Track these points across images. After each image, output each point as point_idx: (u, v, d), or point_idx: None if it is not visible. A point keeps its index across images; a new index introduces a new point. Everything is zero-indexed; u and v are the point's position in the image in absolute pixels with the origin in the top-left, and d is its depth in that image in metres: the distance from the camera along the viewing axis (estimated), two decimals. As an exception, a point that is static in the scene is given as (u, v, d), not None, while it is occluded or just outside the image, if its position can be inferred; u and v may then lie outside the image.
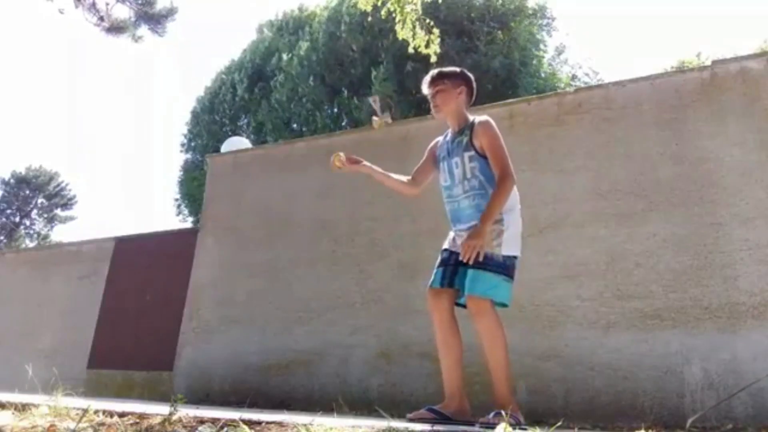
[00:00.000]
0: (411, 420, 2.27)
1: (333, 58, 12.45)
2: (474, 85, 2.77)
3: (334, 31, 12.63)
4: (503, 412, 2.19)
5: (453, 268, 2.54)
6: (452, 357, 2.51)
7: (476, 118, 2.66)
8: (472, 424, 2.33)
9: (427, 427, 1.92)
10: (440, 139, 2.80)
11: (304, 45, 12.94)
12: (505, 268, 2.45)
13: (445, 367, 2.53)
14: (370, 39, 11.97)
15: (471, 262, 2.38)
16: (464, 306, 2.55)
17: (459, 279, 2.51)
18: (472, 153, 2.57)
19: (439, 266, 2.60)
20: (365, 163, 2.76)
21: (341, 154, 2.79)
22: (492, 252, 2.44)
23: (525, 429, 2.18)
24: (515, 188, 2.56)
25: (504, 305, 2.46)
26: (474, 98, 2.78)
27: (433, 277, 2.59)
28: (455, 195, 2.61)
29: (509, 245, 2.47)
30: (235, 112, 13.95)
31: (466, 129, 2.63)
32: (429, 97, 2.72)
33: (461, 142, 2.61)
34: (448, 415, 2.38)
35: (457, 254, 2.52)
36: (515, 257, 2.50)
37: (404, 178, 2.80)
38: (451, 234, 2.66)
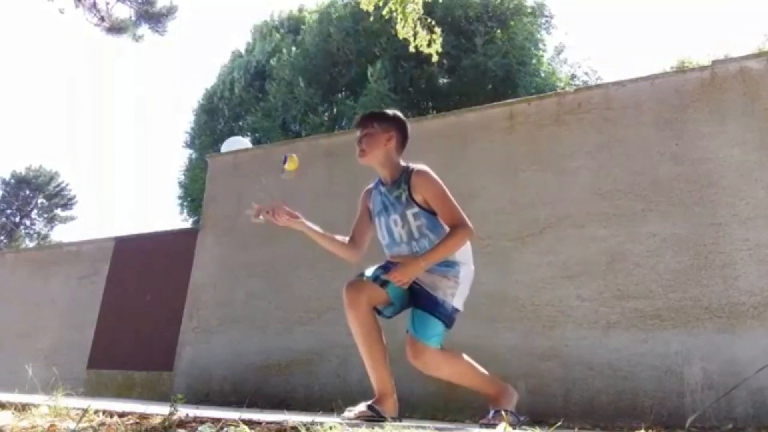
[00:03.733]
0: (350, 419, 2.13)
1: (327, 59, 12.45)
2: (408, 131, 2.51)
3: (325, 32, 12.64)
4: (503, 411, 2.19)
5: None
6: (377, 354, 2.32)
7: (410, 166, 2.42)
8: (399, 420, 2.28)
9: (427, 425, 1.92)
10: (371, 187, 2.57)
11: (295, 47, 12.95)
12: (450, 320, 2.33)
13: (376, 368, 2.33)
14: (365, 39, 11.97)
15: (400, 284, 2.27)
16: (387, 316, 2.40)
17: (394, 290, 2.33)
18: (416, 210, 2.33)
19: (378, 266, 2.40)
20: (301, 220, 2.52)
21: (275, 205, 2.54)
22: (445, 299, 2.32)
23: (525, 430, 2.18)
24: (468, 245, 2.40)
25: None
26: (405, 146, 2.51)
27: (365, 270, 2.39)
28: (399, 255, 2.40)
29: (459, 299, 2.36)
30: (234, 113, 13.95)
31: (402, 182, 2.38)
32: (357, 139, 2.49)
33: (399, 197, 2.37)
34: (384, 414, 2.23)
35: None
36: (459, 311, 2.39)
37: (343, 239, 2.56)
38: None
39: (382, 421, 2.13)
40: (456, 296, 2.34)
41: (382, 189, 2.47)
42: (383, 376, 2.34)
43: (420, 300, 2.35)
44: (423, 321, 2.30)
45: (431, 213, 2.34)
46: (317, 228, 2.52)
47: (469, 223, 2.31)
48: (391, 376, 2.37)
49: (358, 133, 2.49)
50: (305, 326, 4.54)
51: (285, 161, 2.46)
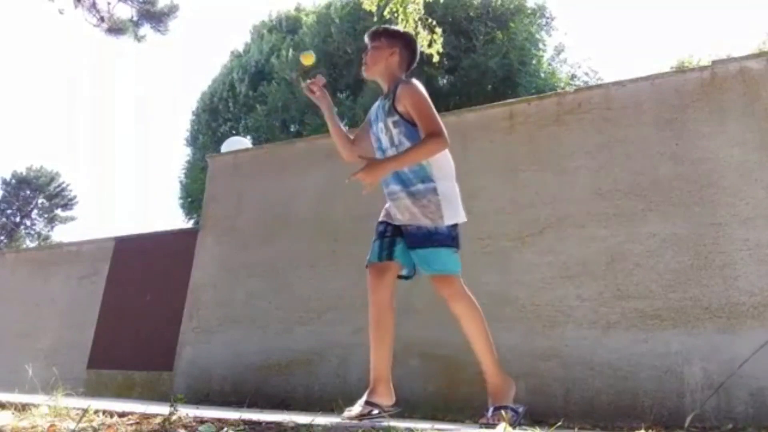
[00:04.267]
0: (350, 418, 2.13)
1: (327, 60, 12.45)
2: (415, 50, 2.60)
3: (324, 33, 12.63)
4: (503, 410, 2.18)
5: (390, 240, 2.39)
6: (387, 340, 2.36)
7: (404, 80, 2.49)
8: (397, 406, 2.30)
9: (427, 425, 1.92)
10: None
11: (293, 48, 12.94)
12: (452, 239, 2.35)
13: (377, 351, 2.36)
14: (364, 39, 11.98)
15: (364, 191, 2.32)
16: (405, 278, 2.47)
17: (399, 252, 2.38)
18: (396, 118, 2.40)
19: (376, 239, 2.45)
20: (328, 101, 2.64)
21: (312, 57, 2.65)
22: (436, 225, 2.33)
23: (525, 430, 2.17)
24: (449, 158, 2.44)
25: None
26: (413, 65, 2.60)
27: (371, 252, 2.43)
28: None
29: (450, 214, 2.35)
30: (234, 113, 13.95)
31: (390, 92, 2.47)
32: None
33: (384, 106, 2.47)
34: (381, 405, 2.24)
35: (394, 226, 2.42)
36: (457, 225, 2.40)
37: (349, 136, 2.67)
38: (387, 206, 2.52)
39: (381, 416, 2.14)
40: (445, 215, 2.33)
41: (379, 100, 2.56)
42: (382, 361, 2.37)
43: (415, 240, 2.36)
44: (429, 257, 2.34)
45: (412, 124, 2.38)
46: (335, 117, 2.63)
47: (445, 134, 2.32)
48: (390, 362, 2.40)
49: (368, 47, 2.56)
50: (305, 326, 4.53)
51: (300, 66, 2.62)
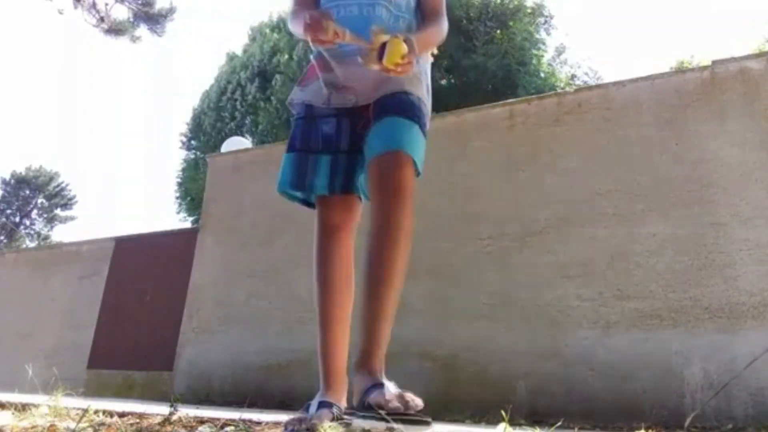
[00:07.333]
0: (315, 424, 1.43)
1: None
2: None
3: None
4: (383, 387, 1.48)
5: (348, 158, 1.61)
6: (345, 321, 1.66)
7: None
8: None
9: (426, 428, 1.92)
10: None
11: (300, 45, 12.94)
12: (424, 116, 1.61)
13: (335, 336, 1.64)
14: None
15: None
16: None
17: (362, 168, 1.60)
18: None
19: (321, 152, 1.60)
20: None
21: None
22: (419, 96, 1.61)
23: (525, 429, 2.16)
24: None
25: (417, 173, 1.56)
26: None
27: (314, 172, 1.60)
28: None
29: (427, 96, 1.68)
30: (235, 113, 13.96)
31: None
32: None
33: None
34: (342, 407, 1.62)
35: (351, 125, 1.62)
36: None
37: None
38: (323, 80, 1.65)
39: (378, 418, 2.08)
40: (423, 90, 1.66)
41: None
42: (342, 354, 1.77)
43: (385, 109, 1.56)
44: (398, 127, 1.52)
45: None
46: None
47: None
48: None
49: None
50: (305, 326, 4.53)
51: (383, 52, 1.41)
